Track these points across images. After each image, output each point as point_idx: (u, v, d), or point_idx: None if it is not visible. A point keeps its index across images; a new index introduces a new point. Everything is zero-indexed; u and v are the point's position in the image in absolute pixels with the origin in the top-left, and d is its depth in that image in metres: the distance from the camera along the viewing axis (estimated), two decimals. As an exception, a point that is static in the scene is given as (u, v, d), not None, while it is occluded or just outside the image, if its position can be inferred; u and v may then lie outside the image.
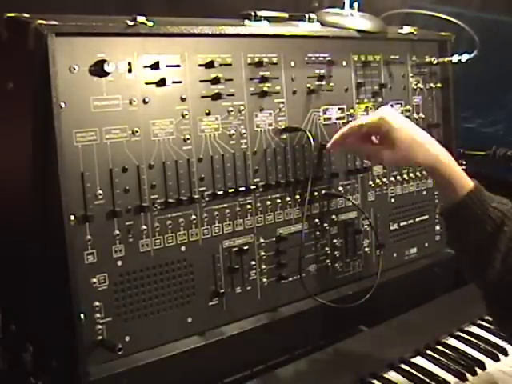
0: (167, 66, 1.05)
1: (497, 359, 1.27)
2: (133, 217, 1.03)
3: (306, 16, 1.28)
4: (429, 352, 1.27)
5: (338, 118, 1.32)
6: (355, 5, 1.37)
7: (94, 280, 0.99)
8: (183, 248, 1.09)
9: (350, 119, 1.34)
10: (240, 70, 1.15)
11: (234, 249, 1.16)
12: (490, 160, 1.77)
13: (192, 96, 1.09)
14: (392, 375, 1.19)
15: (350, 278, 1.36)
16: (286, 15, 1.25)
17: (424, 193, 1.51)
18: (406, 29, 1.46)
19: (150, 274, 1.05)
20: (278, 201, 1.22)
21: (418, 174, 1.49)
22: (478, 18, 1.84)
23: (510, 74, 1.82)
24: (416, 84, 1.49)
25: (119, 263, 1.01)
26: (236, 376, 1.18)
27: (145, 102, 1.03)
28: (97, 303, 0.99)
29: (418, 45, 1.49)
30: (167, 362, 1.06)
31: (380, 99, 1.40)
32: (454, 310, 1.44)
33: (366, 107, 1.37)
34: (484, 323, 1.39)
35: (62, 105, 0.94)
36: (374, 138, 1.18)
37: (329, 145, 1.23)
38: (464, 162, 1.69)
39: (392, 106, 1.39)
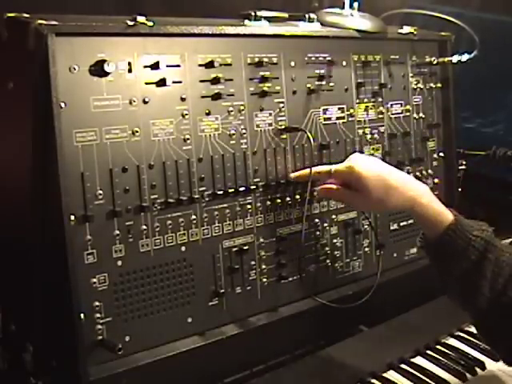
0: (167, 66, 1.05)
1: (497, 359, 1.27)
2: (133, 217, 1.03)
3: (306, 16, 1.28)
4: (429, 352, 1.27)
5: (337, 118, 1.32)
6: (355, 5, 1.37)
7: (94, 280, 0.99)
8: (183, 248, 1.09)
9: (350, 119, 1.34)
10: (240, 70, 1.15)
11: (234, 249, 1.16)
12: (490, 160, 1.77)
13: (192, 96, 1.09)
14: (392, 375, 1.20)
15: (350, 278, 1.36)
16: (286, 15, 1.25)
17: (424, 193, 1.51)
18: (406, 29, 1.46)
19: (150, 274, 1.05)
20: (278, 201, 1.22)
21: (417, 173, 1.49)
22: (478, 18, 1.84)
23: (510, 74, 1.82)
24: (416, 84, 1.49)
25: (119, 263, 1.01)
26: (236, 376, 1.18)
27: (145, 102, 1.03)
28: (97, 303, 0.99)
29: (418, 45, 1.49)
30: (167, 362, 1.06)
31: (380, 99, 1.40)
32: (454, 310, 1.42)
33: (366, 107, 1.37)
34: (484, 323, 1.40)
35: (62, 105, 0.94)
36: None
37: (293, 174, 1.22)
38: (464, 162, 1.70)
39: (362, 152, 1.35)
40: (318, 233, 1.29)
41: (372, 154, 1.39)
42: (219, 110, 1.13)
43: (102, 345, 1.00)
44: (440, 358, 1.25)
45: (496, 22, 1.91)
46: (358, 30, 1.35)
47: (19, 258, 1.05)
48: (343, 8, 1.37)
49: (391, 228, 1.45)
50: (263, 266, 1.20)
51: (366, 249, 1.39)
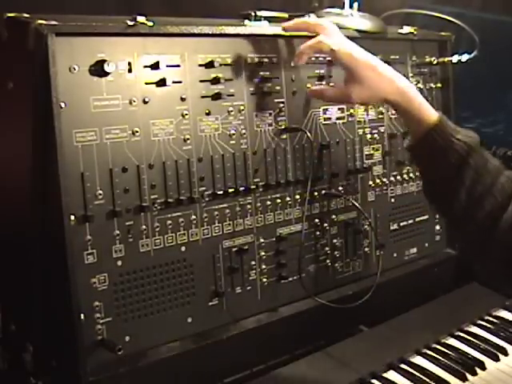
0: (167, 66, 1.05)
1: (497, 359, 1.27)
2: (133, 217, 1.03)
3: (306, 16, 1.28)
4: (429, 352, 1.27)
5: (337, 118, 1.32)
6: (355, 5, 1.37)
7: (94, 280, 0.99)
8: (183, 248, 1.09)
9: (350, 119, 1.34)
10: (240, 70, 1.15)
11: (234, 249, 1.16)
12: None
13: (192, 96, 1.09)
14: (392, 375, 1.20)
15: (350, 277, 1.36)
16: (285, 15, 1.25)
17: (424, 193, 1.51)
18: (406, 29, 1.46)
19: (150, 274, 1.05)
20: (278, 201, 1.22)
21: (418, 174, 1.49)
22: (478, 18, 1.84)
23: (510, 73, 1.82)
24: (416, 84, 1.48)
25: (119, 263, 1.01)
26: (236, 376, 1.18)
27: (145, 102, 1.03)
28: (97, 303, 0.99)
29: (418, 45, 1.49)
30: (167, 362, 1.06)
31: (380, 99, 1.40)
32: (454, 310, 1.44)
33: (366, 107, 1.37)
34: (484, 323, 1.40)
35: (62, 105, 0.94)
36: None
37: (286, 24, 1.19)
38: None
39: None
40: (317, 233, 1.29)
41: (372, 154, 1.39)
42: (219, 110, 1.13)
43: (102, 345, 1.00)
44: (440, 358, 1.25)
45: (496, 21, 1.91)
46: (357, 30, 1.35)
47: (19, 258, 1.05)
48: (343, 8, 1.37)
49: (391, 228, 1.45)
50: (263, 266, 1.20)
51: (366, 249, 1.39)
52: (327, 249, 1.31)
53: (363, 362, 1.21)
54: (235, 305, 1.16)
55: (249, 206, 1.18)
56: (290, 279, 1.24)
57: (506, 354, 1.29)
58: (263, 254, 1.20)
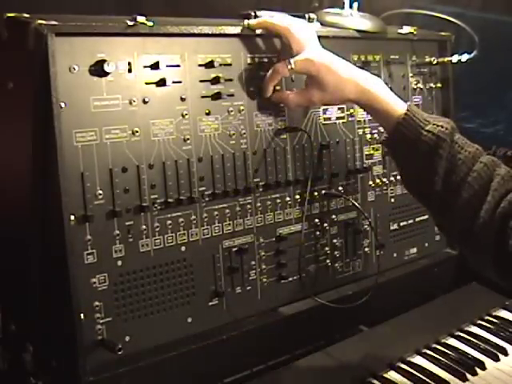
0: (167, 66, 1.05)
1: (497, 359, 1.27)
2: (133, 217, 1.03)
3: (306, 16, 1.28)
4: (429, 352, 1.27)
5: (337, 118, 1.32)
6: (355, 5, 1.37)
7: (94, 280, 0.99)
8: (183, 248, 1.09)
9: (350, 119, 1.35)
10: (240, 70, 1.15)
11: (234, 249, 1.16)
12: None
13: (192, 96, 1.09)
14: (392, 375, 1.20)
15: (350, 277, 1.36)
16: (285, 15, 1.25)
17: (424, 193, 1.51)
18: (406, 29, 1.46)
19: (150, 274, 1.05)
20: (278, 201, 1.22)
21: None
22: (478, 17, 1.84)
23: (510, 74, 1.82)
24: (416, 84, 1.49)
25: (119, 263, 1.01)
26: (236, 376, 1.18)
27: (145, 102, 1.03)
28: (97, 303, 0.99)
29: (418, 45, 1.49)
30: (167, 362, 1.06)
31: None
32: (454, 310, 1.44)
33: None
34: (484, 323, 1.40)
35: (62, 105, 0.94)
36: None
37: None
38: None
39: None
40: (317, 233, 1.29)
41: (372, 155, 1.39)
42: (219, 110, 1.13)
43: (102, 345, 0.99)
44: (440, 357, 1.25)
45: (496, 21, 1.91)
46: (357, 30, 1.35)
47: (19, 258, 1.05)
48: (343, 8, 1.37)
49: (391, 228, 1.45)
50: (263, 266, 1.20)
51: (366, 249, 1.39)
52: (327, 249, 1.31)
53: (363, 362, 1.21)
54: (235, 305, 1.16)
55: (249, 206, 1.18)
56: (290, 279, 1.24)
57: (506, 354, 1.29)
58: (263, 253, 1.20)
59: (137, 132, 1.02)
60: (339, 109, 1.32)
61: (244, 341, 1.16)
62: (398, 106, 1.09)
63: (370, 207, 1.40)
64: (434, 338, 1.31)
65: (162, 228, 1.06)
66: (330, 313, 1.24)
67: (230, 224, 1.15)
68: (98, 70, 0.97)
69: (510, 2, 1.94)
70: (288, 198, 1.24)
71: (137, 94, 1.02)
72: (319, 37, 1.18)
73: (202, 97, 1.10)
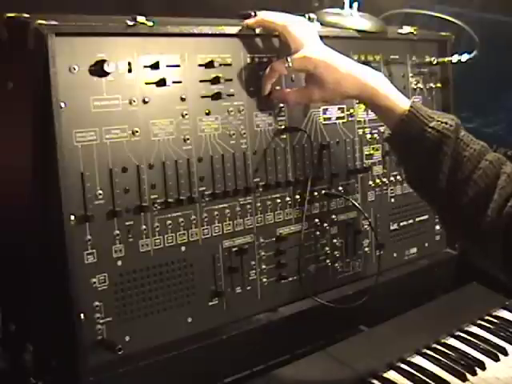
0: (167, 66, 1.05)
1: (497, 359, 1.27)
2: (133, 217, 1.03)
3: (306, 16, 1.28)
4: (429, 352, 1.27)
5: (337, 118, 1.32)
6: (355, 5, 1.37)
7: (94, 280, 0.99)
8: (183, 248, 1.09)
9: (350, 119, 1.35)
10: (240, 70, 1.15)
11: (234, 249, 1.16)
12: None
13: (192, 96, 1.09)
14: (392, 375, 1.20)
15: (350, 277, 1.36)
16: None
17: (424, 193, 1.51)
18: (406, 29, 1.46)
19: (150, 274, 1.05)
20: (278, 201, 1.22)
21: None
22: (478, 17, 1.84)
23: (510, 73, 1.82)
24: (416, 84, 1.49)
25: (119, 263, 1.01)
26: (236, 376, 1.18)
27: (145, 102, 1.03)
28: (97, 303, 0.99)
29: (418, 45, 1.49)
30: (167, 362, 1.06)
31: (380, 99, 1.40)
32: (454, 310, 1.44)
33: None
34: (484, 323, 1.40)
35: (62, 105, 0.94)
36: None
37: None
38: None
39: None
40: (317, 233, 1.29)
41: (372, 155, 1.39)
42: (219, 110, 1.13)
43: (102, 345, 0.99)
44: (440, 357, 1.25)
45: (496, 21, 1.91)
46: (357, 30, 1.35)
47: (19, 258, 1.05)
48: (343, 8, 1.37)
49: (391, 228, 1.45)
50: (263, 266, 1.20)
51: (366, 249, 1.39)
52: (327, 249, 1.31)
53: (363, 362, 1.20)
54: (235, 305, 1.16)
55: (249, 206, 1.18)
56: (290, 279, 1.24)
57: (506, 353, 1.29)
58: (263, 253, 1.20)
59: (137, 132, 1.02)
60: (339, 109, 1.32)
61: (244, 341, 1.16)
62: (400, 102, 1.08)
63: (369, 207, 1.40)
64: (433, 338, 1.31)
65: (161, 228, 1.06)
66: (329, 313, 1.24)
67: (229, 224, 1.15)
68: (98, 70, 0.97)
69: (509, 2, 1.94)
70: (288, 198, 1.24)
71: (137, 93, 1.02)
72: (319, 37, 1.18)
73: (202, 97, 1.10)
